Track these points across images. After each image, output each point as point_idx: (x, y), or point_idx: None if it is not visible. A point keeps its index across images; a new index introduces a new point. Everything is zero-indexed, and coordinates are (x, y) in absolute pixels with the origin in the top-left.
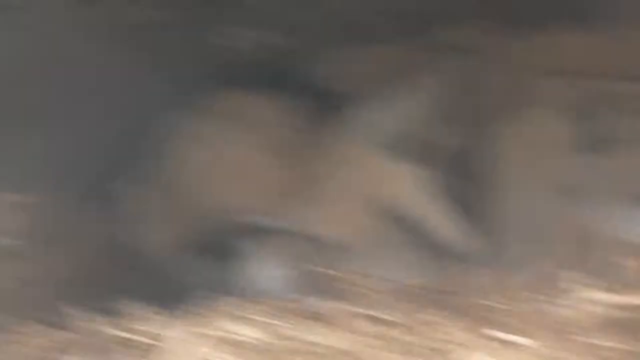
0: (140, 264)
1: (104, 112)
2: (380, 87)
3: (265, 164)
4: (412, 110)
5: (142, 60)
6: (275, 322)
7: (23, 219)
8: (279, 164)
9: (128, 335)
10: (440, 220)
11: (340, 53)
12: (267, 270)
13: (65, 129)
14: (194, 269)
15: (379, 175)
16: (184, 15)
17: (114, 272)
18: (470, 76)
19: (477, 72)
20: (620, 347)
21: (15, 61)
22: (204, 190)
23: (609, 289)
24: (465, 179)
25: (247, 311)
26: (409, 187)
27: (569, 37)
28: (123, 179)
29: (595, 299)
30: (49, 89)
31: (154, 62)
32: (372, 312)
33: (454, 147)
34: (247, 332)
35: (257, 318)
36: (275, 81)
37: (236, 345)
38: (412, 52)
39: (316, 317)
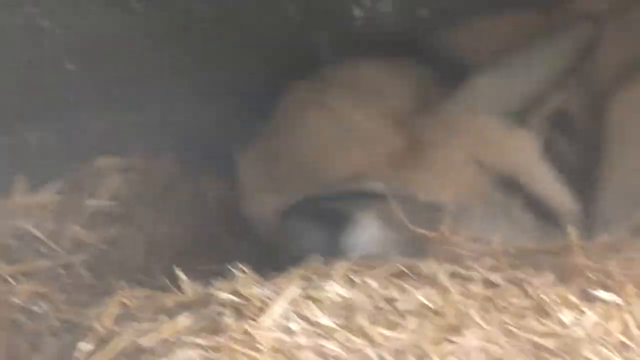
0: (251, 228)
1: (220, 79)
2: (505, 54)
3: (381, 131)
4: (533, 77)
5: (267, 26)
6: (386, 285)
7: (132, 183)
8: (395, 131)
9: (238, 299)
10: (550, 184)
11: (468, 21)
12: (377, 234)
13: (181, 95)
14: (304, 234)
15: (493, 141)
16: None
17: (224, 237)
18: (596, 42)
19: (603, 37)
20: None
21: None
22: (318, 157)
23: None
24: (577, 143)
25: (357, 275)
26: (522, 153)
27: None
28: (238, 144)
29: None
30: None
31: (278, 27)
32: (482, 275)
33: (571, 112)
34: (357, 295)
35: (368, 281)
36: (399, 49)
37: (347, 308)
38: (541, 20)
39: (426, 280)
